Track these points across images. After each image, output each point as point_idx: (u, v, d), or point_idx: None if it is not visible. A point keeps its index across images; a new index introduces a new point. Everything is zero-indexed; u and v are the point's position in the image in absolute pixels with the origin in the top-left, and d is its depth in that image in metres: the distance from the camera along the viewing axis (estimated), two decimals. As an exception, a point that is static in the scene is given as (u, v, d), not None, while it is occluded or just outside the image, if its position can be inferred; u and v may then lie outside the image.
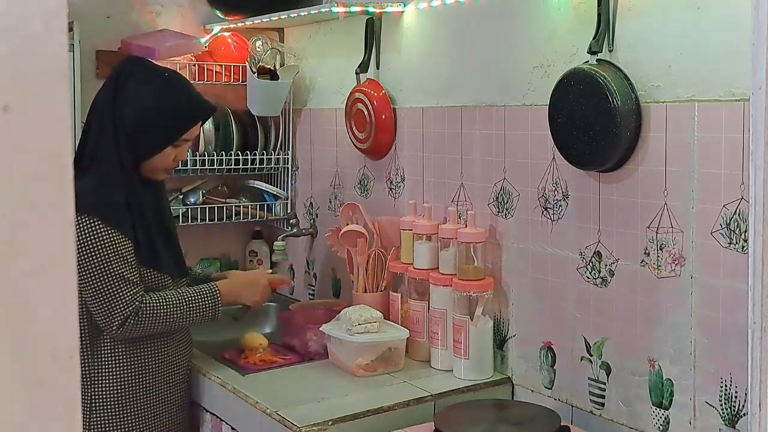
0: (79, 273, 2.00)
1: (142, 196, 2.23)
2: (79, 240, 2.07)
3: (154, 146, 2.23)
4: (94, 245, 2.09)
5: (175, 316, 2.19)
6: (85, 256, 2.08)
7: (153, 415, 2.27)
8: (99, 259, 2.09)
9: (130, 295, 2.12)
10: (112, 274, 2.10)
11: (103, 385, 2.19)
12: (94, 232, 2.09)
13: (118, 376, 2.20)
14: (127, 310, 2.11)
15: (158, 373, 2.27)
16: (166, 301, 2.18)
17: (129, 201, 2.17)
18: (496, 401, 2.14)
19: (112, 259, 2.10)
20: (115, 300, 2.10)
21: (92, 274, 2.09)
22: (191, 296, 2.24)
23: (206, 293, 2.26)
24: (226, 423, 2.28)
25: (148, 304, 2.15)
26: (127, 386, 2.21)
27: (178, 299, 2.21)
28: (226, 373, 2.34)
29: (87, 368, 2.17)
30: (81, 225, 2.09)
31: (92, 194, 2.11)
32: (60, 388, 0.61)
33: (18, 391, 0.59)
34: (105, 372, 2.19)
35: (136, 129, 2.18)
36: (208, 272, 2.59)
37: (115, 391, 2.20)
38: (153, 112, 2.21)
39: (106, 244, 2.10)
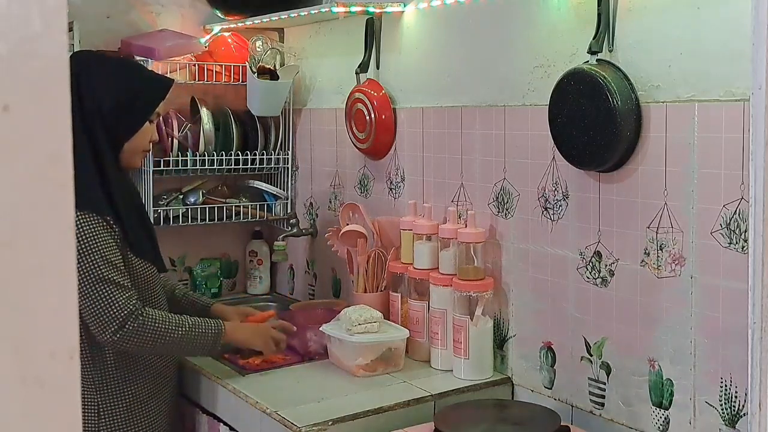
0: None
1: (122, 186, 2.22)
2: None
3: (136, 122, 2.24)
4: (86, 244, 2.03)
5: (174, 336, 2.12)
6: (78, 256, 2.01)
7: (160, 418, 2.27)
8: (87, 261, 2.03)
9: (124, 298, 2.06)
10: (101, 278, 2.04)
11: (109, 392, 2.16)
12: (85, 231, 2.04)
13: (123, 383, 2.18)
14: (122, 313, 2.04)
15: (160, 378, 2.27)
16: (167, 319, 2.13)
17: (110, 190, 2.13)
18: (496, 401, 2.14)
19: (99, 263, 2.04)
20: (108, 304, 2.04)
21: (81, 279, 2.01)
22: (195, 323, 2.19)
23: (212, 324, 2.22)
24: (225, 423, 2.28)
25: (149, 316, 2.09)
26: (132, 392, 2.19)
27: (181, 321, 2.16)
28: (226, 373, 2.34)
29: (92, 376, 2.14)
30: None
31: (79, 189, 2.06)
32: (60, 388, 0.61)
33: (18, 391, 0.59)
34: (109, 379, 2.16)
35: (116, 109, 2.17)
36: (202, 301, 2.58)
37: (122, 398, 2.17)
38: (129, 89, 2.23)
39: (92, 245, 2.04)
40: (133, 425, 2.20)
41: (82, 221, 2.05)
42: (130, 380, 2.19)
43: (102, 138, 2.15)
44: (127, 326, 2.05)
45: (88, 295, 2.04)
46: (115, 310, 2.05)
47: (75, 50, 2.74)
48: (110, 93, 2.18)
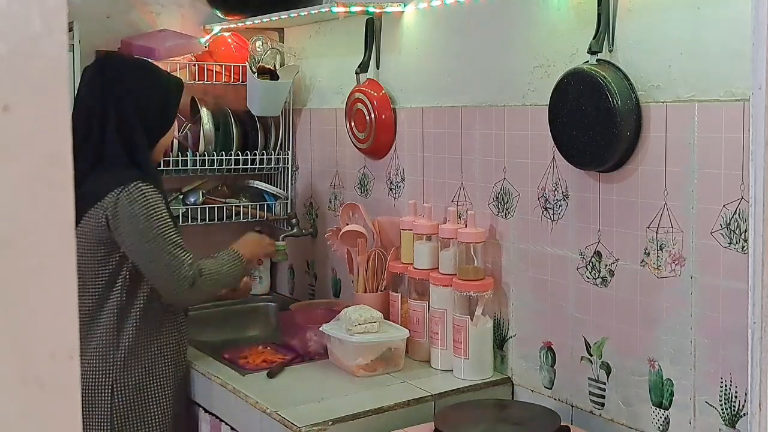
0: (140, 241, 2.18)
1: (162, 180, 2.41)
2: (139, 205, 2.19)
3: (169, 120, 2.41)
4: (153, 210, 2.20)
5: (224, 278, 2.35)
6: (147, 221, 2.19)
7: (169, 392, 2.35)
8: (158, 225, 2.20)
9: (191, 259, 2.23)
10: (172, 241, 2.21)
11: (122, 366, 2.26)
12: (151, 197, 2.20)
13: (136, 355, 2.27)
14: (191, 271, 2.21)
15: (170, 352, 2.35)
16: (213, 266, 2.31)
17: (156, 181, 2.31)
18: (496, 401, 2.14)
19: (167, 228, 2.21)
20: (180, 264, 2.20)
21: (153, 243, 2.19)
22: (225, 257, 2.38)
23: (231, 251, 2.42)
24: (226, 423, 2.28)
25: (205, 267, 2.27)
26: (144, 365, 2.29)
27: (219, 263, 2.35)
28: (226, 373, 2.34)
29: (111, 351, 2.25)
30: (136, 191, 2.19)
31: (129, 171, 2.23)
32: (60, 388, 0.61)
33: (18, 391, 0.59)
34: (123, 351, 2.26)
35: (156, 107, 2.35)
36: None
37: (134, 371, 2.27)
38: (165, 89, 2.40)
39: (160, 210, 2.21)
40: (144, 398, 2.29)
41: (149, 190, 2.22)
42: (141, 353, 2.28)
43: (140, 131, 2.30)
44: (197, 283, 2.23)
45: (161, 256, 2.20)
46: (185, 269, 2.21)
47: (75, 50, 2.75)
48: (153, 93, 2.35)
